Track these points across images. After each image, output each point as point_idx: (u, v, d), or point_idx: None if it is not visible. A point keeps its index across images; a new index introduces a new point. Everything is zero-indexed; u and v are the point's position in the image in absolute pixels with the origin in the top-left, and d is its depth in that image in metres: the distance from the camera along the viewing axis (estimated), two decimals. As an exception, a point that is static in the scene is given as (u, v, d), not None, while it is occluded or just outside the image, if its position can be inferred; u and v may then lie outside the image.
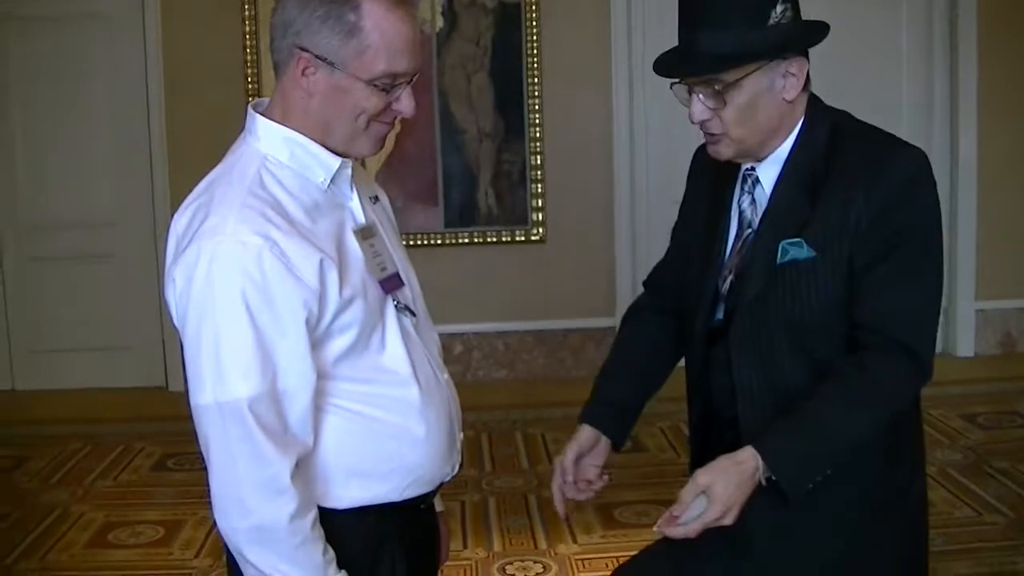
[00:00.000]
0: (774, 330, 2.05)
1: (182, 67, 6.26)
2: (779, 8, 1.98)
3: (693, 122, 2.07)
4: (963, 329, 6.56)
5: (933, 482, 4.31)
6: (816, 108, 2.10)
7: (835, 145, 2.05)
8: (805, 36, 2.04)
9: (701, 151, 2.29)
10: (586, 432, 2.25)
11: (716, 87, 2.00)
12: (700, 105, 2.03)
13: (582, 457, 2.23)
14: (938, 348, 6.46)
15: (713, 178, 2.22)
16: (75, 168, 6.44)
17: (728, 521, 1.97)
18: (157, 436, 5.57)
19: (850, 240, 1.99)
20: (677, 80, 2.07)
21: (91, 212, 6.47)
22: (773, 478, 1.97)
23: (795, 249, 2.03)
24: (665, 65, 2.08)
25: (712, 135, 2.07)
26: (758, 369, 2.08)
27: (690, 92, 2.05)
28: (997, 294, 6.57)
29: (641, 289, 2.49)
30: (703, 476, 1.99)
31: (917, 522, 2.21)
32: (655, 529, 2.06)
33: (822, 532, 2.08)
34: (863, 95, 5.52)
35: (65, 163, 6.44)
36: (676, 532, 1.99)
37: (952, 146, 6.50)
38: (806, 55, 2.05)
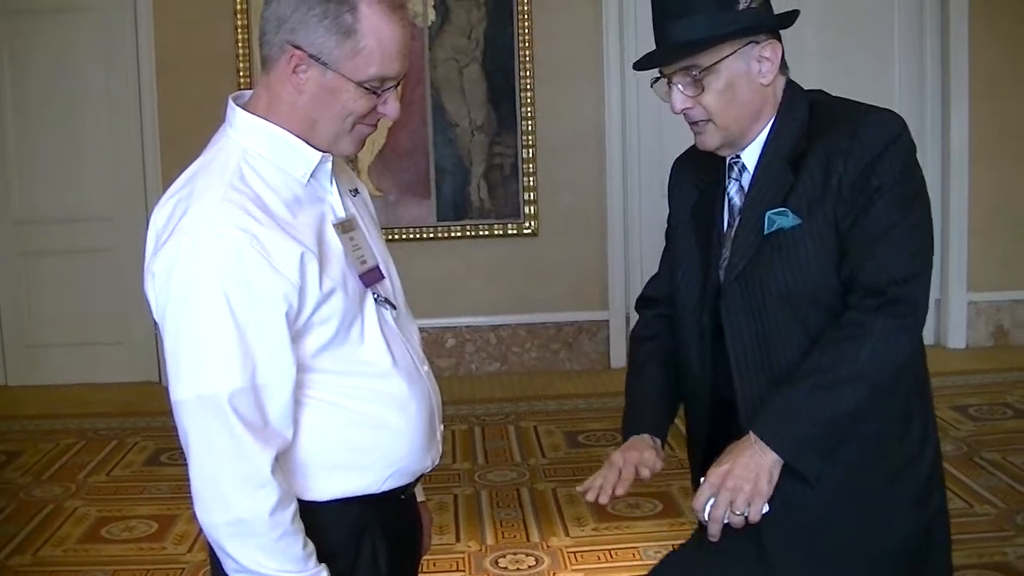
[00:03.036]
0: (766, 300, 2.06)
1: (174, 60, 6.26)
2: None
3: (675, 111, 2.10)
4: (955, 321, 6.57)
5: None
6: (793, 89, 2.13)
7: (814, 119, 2.09)
8: (776, 18, 2.07)
9: (677, 164, 2.35)
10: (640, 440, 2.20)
11: (694, 73, 2.03)
12: (679, 94, 2.07)
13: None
14: (930, 340, 6.51)
15: (697, 180, 2.25)
16: (68, 162, 6.45)
17: (756, 508, 1.96)
18: (150, 431, 5.59)
19: (833, 205, 2.01)
20: (657, 76, 2.11)
21: (84, 206, 6.48)
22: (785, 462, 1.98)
23: (780, 218, 2.04)
24: (643, 60, 2.11)
25: (696, 123, 2.10)
26: (752, 341, 2.08)
27: (669, 84, 2.09)
28: (989, 286, 6.58)
29: (629, 280, 2.49)
30: (714, 474, 1.99)
31: (932, 482, 2.19)
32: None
33: (835, 499, 2.07)
34: (854, 84, 5.51)
35: (58, 157, 6.45)
36: (712, 530, 1.99)
37: (944, 139, 6.51)
38: (779, 39, 2.07)
